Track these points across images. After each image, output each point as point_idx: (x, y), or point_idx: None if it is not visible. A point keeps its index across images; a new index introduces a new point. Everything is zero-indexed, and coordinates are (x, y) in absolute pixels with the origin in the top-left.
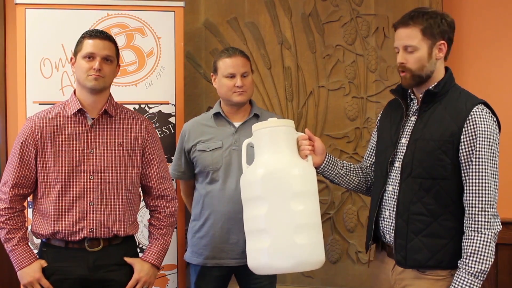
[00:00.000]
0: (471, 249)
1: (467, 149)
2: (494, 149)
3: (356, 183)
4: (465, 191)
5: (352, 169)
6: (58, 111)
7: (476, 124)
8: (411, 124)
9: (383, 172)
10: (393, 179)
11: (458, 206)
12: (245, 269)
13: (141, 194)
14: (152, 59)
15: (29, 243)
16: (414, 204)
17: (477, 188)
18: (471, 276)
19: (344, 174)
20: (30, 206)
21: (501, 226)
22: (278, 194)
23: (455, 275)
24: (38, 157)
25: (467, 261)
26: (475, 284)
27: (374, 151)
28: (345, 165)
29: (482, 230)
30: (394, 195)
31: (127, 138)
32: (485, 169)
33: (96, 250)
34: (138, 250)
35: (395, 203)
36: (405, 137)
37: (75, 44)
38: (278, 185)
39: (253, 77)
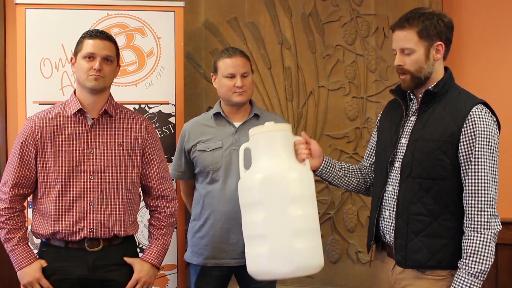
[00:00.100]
0: (471, 249)
1: (466, 149)
2: (493, 149)
3: (355, 184)
4: (465, 191)
5: (350, 170)
6: (58, 111)
7: (475, 124)
8: (410, 124)
9: (383, 172)
10: (393, 179)
11: (458, 206)
12: (245, 269)
13: (141, 194)
14: (152, 59)
15: (29, 243)
16: (414, 204)
17: (476, 188)
18: (471, 276)
19: (342, 176)
20: (30, 206)
21: (501, 226)
22: (276, 199)
23: (455, 275)
24: (38, 157)
25: (467, 261)
26: (475, 284)
27: (374, 151)
28: (343, 166)
29: (482, 230)
30: (394, 195)
31: (127, 138)
32: (484, 169)
33: (96, 250)
34: (138, 250)
35: (395, 203)
36: (405, 137)
37: (75, 44)
38: (276, 190)
39: (253, 77)
